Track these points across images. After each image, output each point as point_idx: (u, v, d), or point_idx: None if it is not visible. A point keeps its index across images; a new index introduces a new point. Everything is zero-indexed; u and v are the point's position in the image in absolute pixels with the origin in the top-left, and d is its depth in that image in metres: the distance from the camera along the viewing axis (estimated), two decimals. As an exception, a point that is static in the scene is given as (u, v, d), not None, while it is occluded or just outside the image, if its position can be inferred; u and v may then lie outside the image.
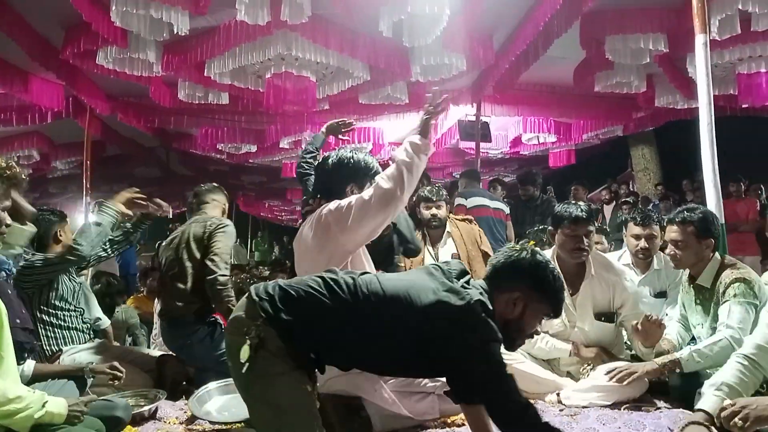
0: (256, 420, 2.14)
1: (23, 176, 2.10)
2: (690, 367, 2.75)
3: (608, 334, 3.25)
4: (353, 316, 2.07)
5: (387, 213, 2.57)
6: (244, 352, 2.00)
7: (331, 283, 2.12)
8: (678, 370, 2.77)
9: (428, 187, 4.69)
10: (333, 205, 2.65)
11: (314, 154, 3.94)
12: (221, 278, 3.45)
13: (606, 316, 3.20)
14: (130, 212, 3.75)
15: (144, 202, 3.81)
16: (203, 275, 3.49)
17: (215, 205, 3.91)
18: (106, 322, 4.12)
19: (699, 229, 2.96)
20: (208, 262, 3.49)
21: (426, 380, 2.63)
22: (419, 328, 2.03)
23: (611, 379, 2.83)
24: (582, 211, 3.19)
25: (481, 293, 2.09)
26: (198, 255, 3.59)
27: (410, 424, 2.60)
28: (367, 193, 2.56)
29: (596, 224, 5.68)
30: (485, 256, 4.39)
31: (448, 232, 4.47)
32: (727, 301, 2.81)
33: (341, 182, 2.78)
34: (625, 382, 2.79)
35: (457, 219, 4.71)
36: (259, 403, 2.09)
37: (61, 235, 3.57)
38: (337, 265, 2.45)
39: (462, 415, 2.58)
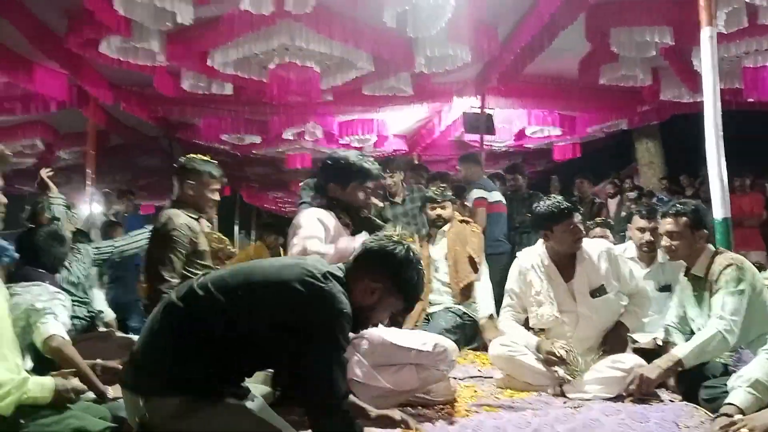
0: None
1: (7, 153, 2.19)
2: (691, 363, 2.77)
3: (608, 309, 3.23)
4: (207, 318, 1.98)
5: None
6: None
7: (166, 306, 2.05)
8: (680, 369, 2.78)
9: (434, 189, 4.79)
10: (296, 220, 2.98)
11: None
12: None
13: (598, 290, 3.19)
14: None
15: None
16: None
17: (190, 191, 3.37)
18: (109, 314, 4.13)
19: (692, 221, 3.03)
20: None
21: (400, 352, 2.68)
22: (271, 303, 1.98)
23: (631, 395, 2.80)
24: (567, 201, 3.27)
25: (338, 268, 2.12)
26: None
27: (396, 400, 2.64)
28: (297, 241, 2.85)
29: (601, 218, 5.70)
30: (471, 259, 4.44)
31: (443, 230, 4.57)
32: (720, 289, 2.84)
33: (326, 180, 3.05)
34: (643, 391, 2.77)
35: (457, 220, 4.76)
36: None
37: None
38: None
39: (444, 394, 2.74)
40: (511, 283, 3.39)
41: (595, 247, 3.29)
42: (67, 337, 2.68)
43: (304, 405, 2.04)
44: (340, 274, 2.08)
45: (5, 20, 4.94)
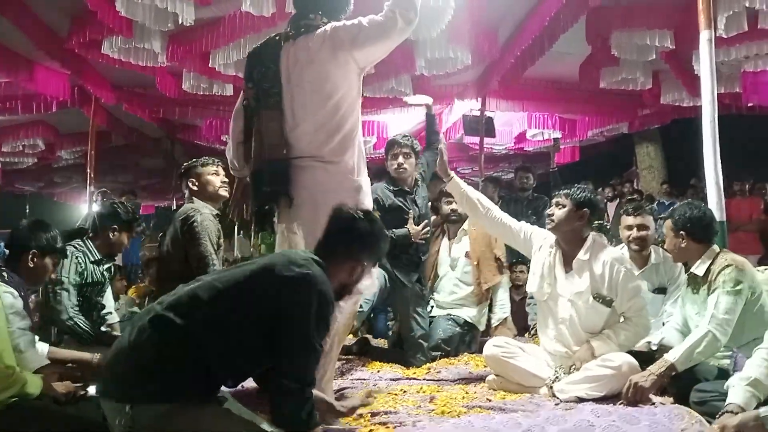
0: None
1: None
2: (683, 366, 2.77)
3: (598, 318, 3.12)
4: (200, 325, 2.01)
5: (401, 36, 2.76)
6: None
7: (152, 318, 2.03)
8: (674, 373, 2.78)
9: None
10: (339, 24, 2.77)
11: None
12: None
13: (603, 298, 3.08)
14: None
15: None
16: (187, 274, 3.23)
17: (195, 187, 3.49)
18: (115, 317, 4.11)
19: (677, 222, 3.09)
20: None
21: None
22: (259, 293, 2.04)
23: (627, 401, 2.75)
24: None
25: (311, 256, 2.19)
26: (178, 255, 3.28)
27: None
28: (381, 17, 2.74)
29: (598, 222, 5.66)
30: (497, 260, 4.44)
31: (464, 229, 4.51)
32: (716, 288, 2.83)
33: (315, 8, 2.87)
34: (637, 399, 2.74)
35: None
36: None
37: None
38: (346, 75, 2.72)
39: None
40: (533, 229, 3.50)
41: (606, 253, 3.15)
42: (46, 360, 2.60)
43: (271, 386, 2.05)
44: (318, 259, 2.16)
45: (7, 20, 4.97)
